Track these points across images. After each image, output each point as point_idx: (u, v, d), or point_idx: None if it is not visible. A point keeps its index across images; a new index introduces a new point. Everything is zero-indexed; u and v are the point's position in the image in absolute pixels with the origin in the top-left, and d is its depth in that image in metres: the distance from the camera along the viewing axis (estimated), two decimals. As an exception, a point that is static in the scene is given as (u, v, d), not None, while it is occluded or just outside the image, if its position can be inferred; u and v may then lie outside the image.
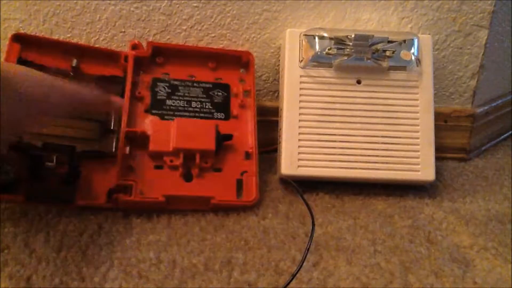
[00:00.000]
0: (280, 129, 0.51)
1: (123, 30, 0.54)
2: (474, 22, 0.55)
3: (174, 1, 0.53)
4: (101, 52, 0.51)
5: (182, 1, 0.53)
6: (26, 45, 0.46)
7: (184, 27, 0.55)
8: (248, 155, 0.49)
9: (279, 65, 0.56)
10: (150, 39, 0.55)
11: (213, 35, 0.55)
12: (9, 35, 0.45)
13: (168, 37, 0.55)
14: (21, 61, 0.45)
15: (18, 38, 0.45)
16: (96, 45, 0.54)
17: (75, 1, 0.52)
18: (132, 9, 0.53)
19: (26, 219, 0.42)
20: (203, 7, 0.54)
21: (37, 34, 0.52)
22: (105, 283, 0.36)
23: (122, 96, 0.49)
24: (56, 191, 0.42)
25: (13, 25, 0.53)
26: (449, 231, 0.46)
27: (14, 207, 0.44)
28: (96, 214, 0.44)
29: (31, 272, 0.37)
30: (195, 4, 0.54)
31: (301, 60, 0.51)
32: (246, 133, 0.50)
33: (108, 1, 0.53)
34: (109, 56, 0.51)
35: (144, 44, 0.51)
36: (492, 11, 0.55)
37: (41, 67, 0.45)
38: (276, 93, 0.58)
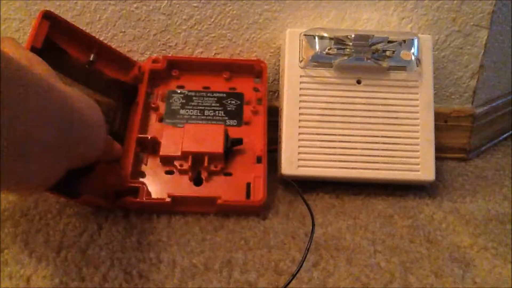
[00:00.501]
0: (280, 129, 0.51)
1: (123, 30, 0.54)
2: (474, 22, 0.55)
3: (174, 1, 0.53)
4: (119, 56, 0.51)
5: (182, 1, 0.53)
6: (53, 26, 0.43)
7: (184, 27, 0.55)
8: (259, 160, 0.48)
9: (279, 65, 0.56)
10: (150, 39, 0.55)
11: (213, 35, 0.55)
12: (39, 12, 0.42)
13: (168, 37, 0.55)
14: (48, 42, 0.42)
15: (49, 16, 0.43)
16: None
17: (75, 1, 0.52)
18: (132, 9, 0.53)
19: (26, 219, 0.42)
20: (203, 7, 0.54)
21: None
22: (105, 283, 0.36)
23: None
24: (64, 182, 0.42)
25: (13, 25, 0.53)
26: (449, 231, 0.46)
27: (14, 207, 0.44)
28: (96, 214, 0.44)
29: (31, 272, 0.37)
30: (195, 4, 0.54)
31: (301, 60, 0.51)
32: (258, 138, 0.50)
33: (108, 1, 0.53)
34: (124, 62, 0.52)
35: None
36: (492, 11, 0.54)
37: (64, 53, 0.44)
38: (276, 93, 0.58)
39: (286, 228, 0.44)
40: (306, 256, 0.38)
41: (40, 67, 0.35)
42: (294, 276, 0.36)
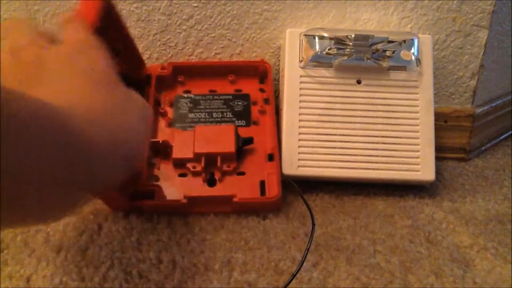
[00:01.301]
0: (280, 129, 0.51)
1: (123, 30, 0.54)
2: (474, 22, 0.55)
3: (174, 1, 0.53)
4: (137, 54, 0.50)
5: (182, 1, 0.53)
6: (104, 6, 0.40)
7: (184, 27, 0.55)
8: (270, 157, 0.48)
9: (279, 65, 0.56)
10: (150, 39, 0.55)
11: (213, 35, 0.55)
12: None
13: (168, 37, 0.55)
14: (103, 24, 0.38)
15: None
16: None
17: (75, 1, 0.52)
18: (132, 9, 0.53)
19: (26, 219, 0.42)
20: (203, 7, 0.54)
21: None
22: (105, 283, 0.36)
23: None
24: None
25: (13, 25, 0.53)
26: (449, 231, 0.46)
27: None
28: (96, 214, 0.44)
29: (31, 272, 0.37)
30: (195, 4, 0.54)
31: (301, 60, 0.51)
32: (267, 137, 0.50)
33: (108, 1, 0.53)
34: (138, 61, 0.51)
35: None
36: (492, 11, 0.54)
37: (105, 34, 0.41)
38: (276, 93, 0.58)
39: (286, 228, 0.44)
40: (306, 256, 0.38)
41: (103, 61, 0.34)
42: (294, 276, 0.36)
